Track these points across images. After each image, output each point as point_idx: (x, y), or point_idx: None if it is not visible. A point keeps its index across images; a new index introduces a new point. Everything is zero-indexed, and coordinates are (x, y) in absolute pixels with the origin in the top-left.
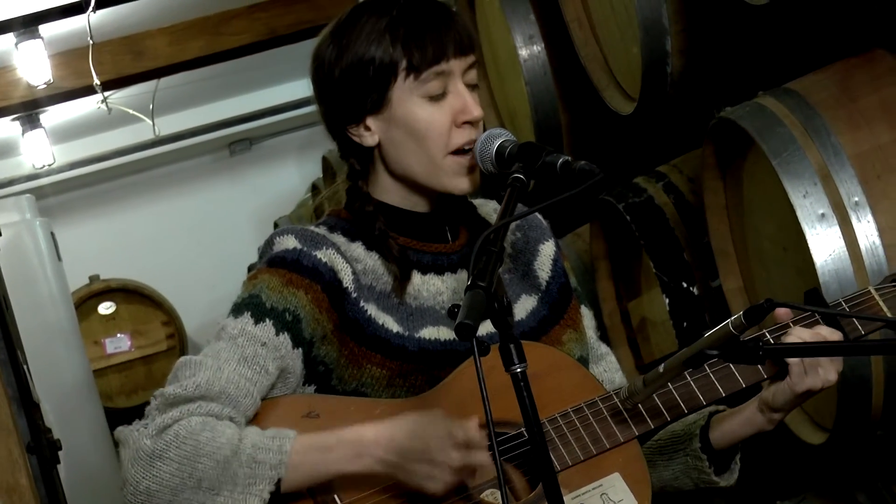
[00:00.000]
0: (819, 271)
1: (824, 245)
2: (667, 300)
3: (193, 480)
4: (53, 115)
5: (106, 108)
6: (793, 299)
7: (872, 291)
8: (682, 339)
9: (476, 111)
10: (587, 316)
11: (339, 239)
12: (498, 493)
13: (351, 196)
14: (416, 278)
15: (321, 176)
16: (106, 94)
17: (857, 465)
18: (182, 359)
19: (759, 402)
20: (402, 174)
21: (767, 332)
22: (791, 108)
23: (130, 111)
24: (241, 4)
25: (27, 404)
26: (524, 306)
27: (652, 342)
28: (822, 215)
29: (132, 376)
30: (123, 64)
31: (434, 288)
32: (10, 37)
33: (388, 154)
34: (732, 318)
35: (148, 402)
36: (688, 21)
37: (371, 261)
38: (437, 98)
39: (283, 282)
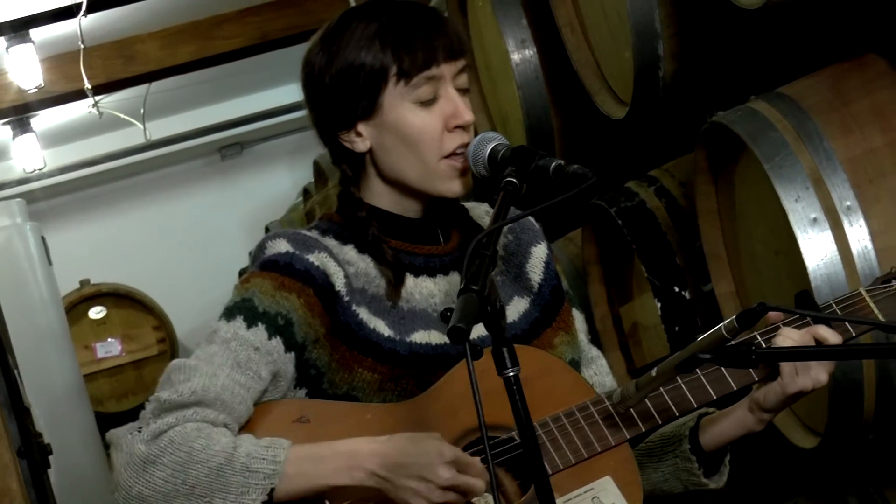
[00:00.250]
0: (811, 275)
1: (816, 249)
2: (659, 304)
3: (186, 487)
4: (44, 119)
5: (97, 113)
6: (785, 304)
7: (863, 293)
8: (673, 343)
9: (467, 115)
10: (579, 319)
11: (331, 242)
12: (490, 498)
13: (343, 201)
14: (409, 281)
15: (312, 180)
16: (97, 98)
17: (849, 470)
18: (175, 362)
19: (750, 403)
20: (394, 179)
21: (759, 334)
22: (783, 113)
23: (121, 115)
24: (233, 9)
25: (18, 409)
26: (516, 308)
27: (644, 346)
28: (815, 220)
29: (123, 381)
30: (114, 68)
31: (426, 290)
32: (0, 41)
33: (381, 159)
34: (725, 321)
35: (139, 407)
36: (680, 25)
37: (363, 264)
38: (428, 103)
39: (276, 285)
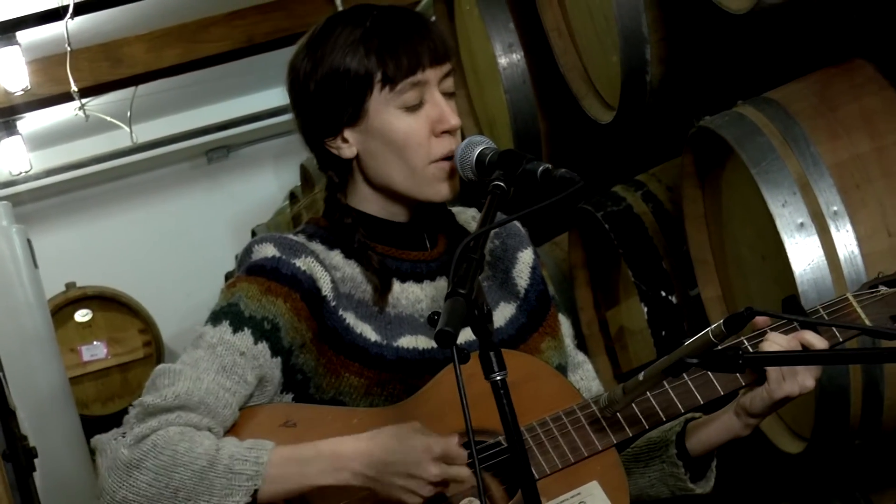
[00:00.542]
0: (798, 280)
1: (803, 254)
2: (645, 309)
3: (170, 490)
4: (30, 122)
5: (83, 115)
6: (772, 308)
7: (850, 298)
8: (660, 347)
9: (453, 120)
10: (565, 324)
11: (317, 247)
12: (476, 502)
13: (329, 207)
14: (395, 286)
15: (299, 184)
16: (83, 100)
17: (835, 475)
18: (160, 367)
19: (736, 407)
20: (381, 184)
21: (745, 339)
22: (770, 118)
23: (108, 118)
24: (219, 12)
25: (3, 412)
26: (503, 314)
27: (630, 351)
28: (801, 224)
29: (108, 384)
30: (101, 71)
31: (413, 296)
32: None
33: (367, 165)
34: (712, 326)
35: (124, 410)
36: (667, 30)
37: (350, 269)
38: (413, 108)
39: (262, 290)
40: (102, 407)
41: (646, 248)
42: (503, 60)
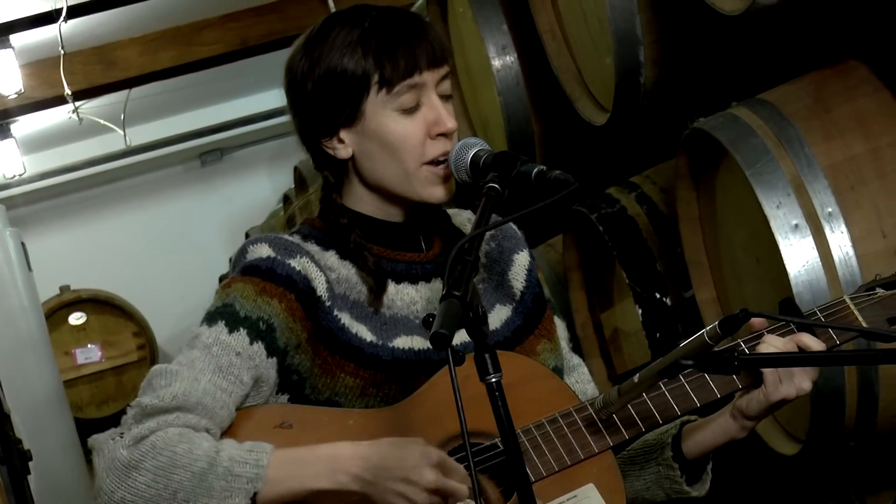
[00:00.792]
0: (792, 282)
1: (798, 256)
2: (639, 311)
3: (169, 492)
4: (24, 125)
5: (77, 118)
6: (766, 310)
7: (847, 301)
8: (654, 349)
9: (450, 123)
10: (560, 327)
11: (312, 248)
12: None
13: (325, 208)
14: (391, 287)
15: (293, 186)
16: (77, 104)
17: (830, 477)
18: (156, 367)
19: (733, 410)
20: (376, 185)
21: (742, 341)
22: (765, 119)
23: (101, 121)
24: (213, 14)
25: None
26: (498, 316)
27: (625, 353)
28: (796, 226)
29: (103, 387)
30: (95, 74)
31: (408, 297)
32: None
33: (363, 166)
34: (708, 328)
35: (119, 413)
36: (661, 31)
37: (345, 270)
38: (410, 111)
39: (257, 290)
40: (97, 410)
41: (640, 249)
42: (497, 62)
